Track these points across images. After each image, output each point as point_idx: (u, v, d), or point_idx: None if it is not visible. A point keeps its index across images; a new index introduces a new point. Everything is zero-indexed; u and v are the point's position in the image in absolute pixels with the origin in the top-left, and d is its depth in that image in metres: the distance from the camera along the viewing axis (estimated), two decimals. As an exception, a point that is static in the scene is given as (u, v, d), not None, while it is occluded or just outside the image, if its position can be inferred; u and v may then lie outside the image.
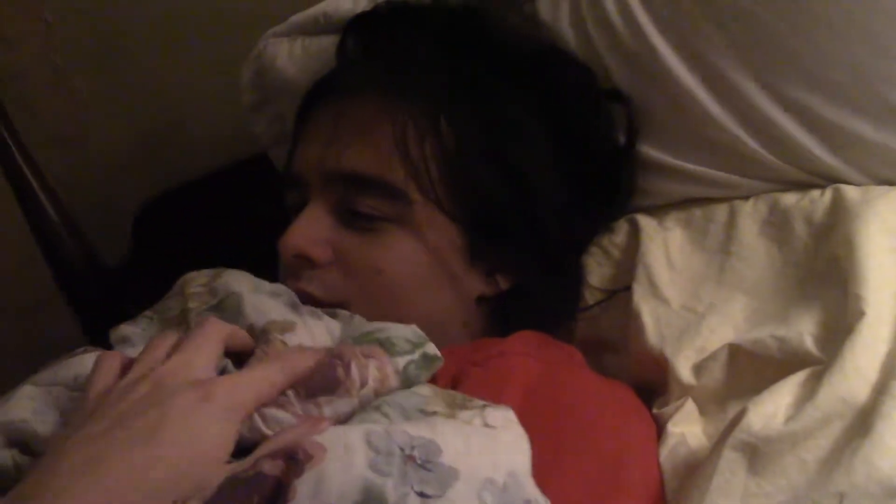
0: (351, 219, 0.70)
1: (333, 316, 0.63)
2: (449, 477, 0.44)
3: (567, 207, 0.74)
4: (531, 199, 0.72)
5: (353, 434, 0.45)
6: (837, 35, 0.69)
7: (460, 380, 0.60)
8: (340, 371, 0.50)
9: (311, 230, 0.70)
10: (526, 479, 0.47)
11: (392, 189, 0.69)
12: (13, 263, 1.26)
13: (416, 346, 0.54)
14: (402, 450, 0.44)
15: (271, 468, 0.44)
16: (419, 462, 0.44)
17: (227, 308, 0.60)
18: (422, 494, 0.43)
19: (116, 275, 1.10)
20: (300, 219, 0.70)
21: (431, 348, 0.55)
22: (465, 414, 0.49)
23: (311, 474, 0.43)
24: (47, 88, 1.19)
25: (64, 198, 1.06)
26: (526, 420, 0.51)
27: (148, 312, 0.67)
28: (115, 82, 1.19)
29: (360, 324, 0.61)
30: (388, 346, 0.53)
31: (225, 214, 1.09)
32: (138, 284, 1.10)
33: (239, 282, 0.63)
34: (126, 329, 0.64)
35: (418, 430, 0.46)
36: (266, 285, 0.64)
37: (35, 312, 1.27)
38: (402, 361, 0.53)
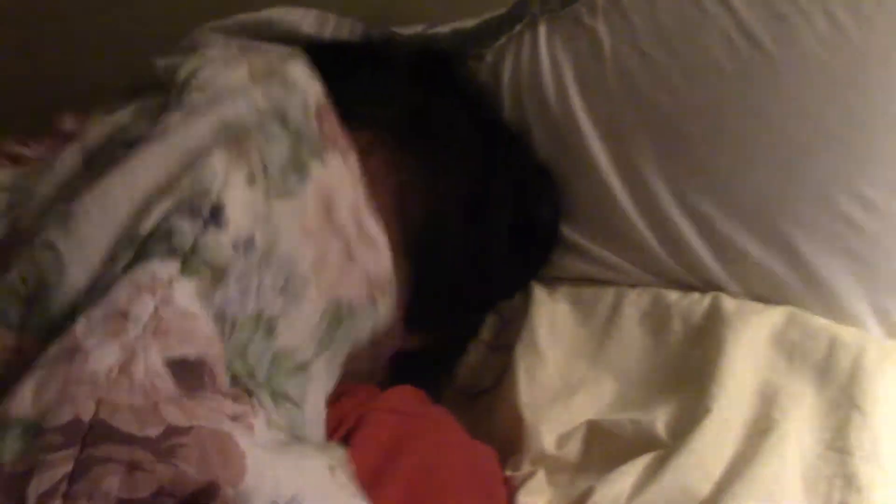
0: None
1: None
2: None
3: (506, 279, 0.77)
4: (488, 267, 0.74)
5: None
6: (750, 159, 0.75)
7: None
8: None
9: None
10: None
11: None
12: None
13: None
14: None
15: None
16: None
17: None
18: None
19: None
20: None
21: None
22: None
23: None
24: None
25: None
26: (385, 478, 0.52)
27: None
28: None
29: None
30: None
31: None
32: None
33: None
34: None
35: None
36: None
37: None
38: None
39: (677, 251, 0.77)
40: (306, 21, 0.89)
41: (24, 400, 0.42)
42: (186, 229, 0.50)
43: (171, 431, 0.42)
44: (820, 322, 0.70)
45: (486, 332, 0.79)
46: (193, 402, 0.45)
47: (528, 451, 0.68)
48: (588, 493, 0.62)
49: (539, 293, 0.79)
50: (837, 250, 0.73)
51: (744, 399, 0.65)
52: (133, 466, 0.41)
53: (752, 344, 0.69)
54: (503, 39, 0.82)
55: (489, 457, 0.68)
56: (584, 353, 0.75)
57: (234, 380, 0.51)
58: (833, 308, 0.72)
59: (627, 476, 0.62)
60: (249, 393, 0.51)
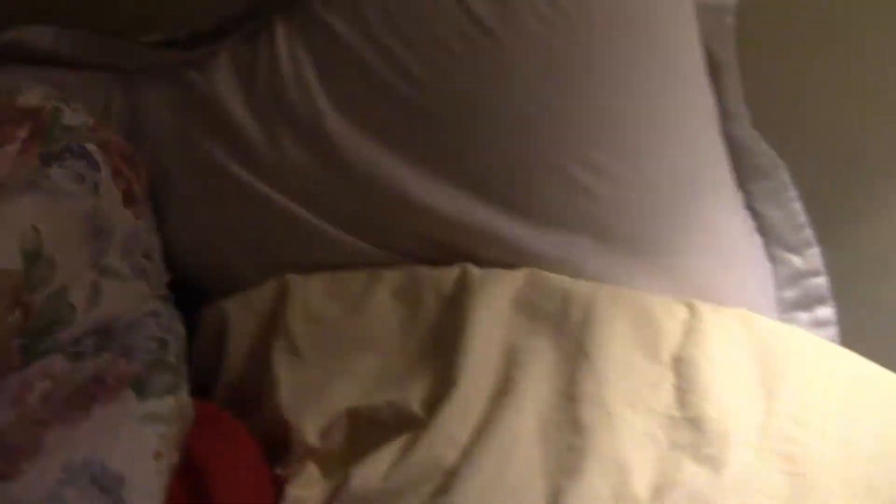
0: None
1: None
2: None
3: None
4: None
5: None
6: (487, 137, 0.77)
7: None
8: None
9: None
10: None
11: None
12: None
13: None
14: None
15: None
16: None
17: None
18: None
19: None
20: None
21: None
22: None
23: None
24: None
25: None
26: None
27: None
28: None
29: None
30: None
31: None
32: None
33: None
34: None
35: None
36: None
37: None
38: None
39: (427, 231, 0.78)
40: (44, 38, 0.87)
41: None
42: None
43: None
44: (556, 279, 0.74)
45: (238, 333, 0.78)
46: None
47: (295, 449, 0.68)
48: (346, 476, 0.63)
49: (292, 282, 0.79)
50: (574, 216, 0.77)
51: (489, 365, 0.68)
52: None
53: (495, 308, 0.71)
54: (236, 38, 0.82)
55: (253, 453, 0.69)
56: (341, 334, 0.75)
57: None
58: (573, 272, 0.76)
59: (383, 457, 0.63)
60: None
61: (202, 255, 0.84)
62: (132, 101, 0.85)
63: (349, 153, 0.79)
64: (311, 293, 0.77)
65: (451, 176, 0.78)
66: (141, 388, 0.65)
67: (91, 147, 0.75)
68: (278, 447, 0.70)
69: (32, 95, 0.76)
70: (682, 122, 0.82)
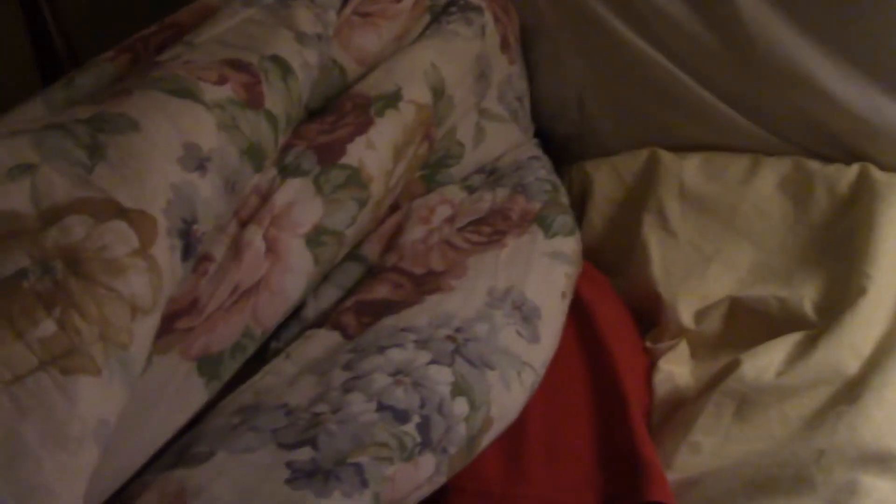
0: None
1: None
2: None
3: None
4: None
5: None
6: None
7: None
8: None
9: None
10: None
11: None
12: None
13: None
14: None
15: None
16: None
17: None
18: None
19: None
20: None
21: None
22: None
23: None
24: None
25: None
26: None
27: None
28: None
29: None
30: None
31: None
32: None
33: None
34: None
35: None
36: None
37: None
38: None
39: (825, 122, 0.73)
40: None
41: None
42: None
43: None
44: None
45: (603, 196, 0.78)
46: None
47: (667, 326, 0.70)
48: (735, 364, 0.63)
49: (665, 155, 0.77)
50: None
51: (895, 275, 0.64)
52: None
53: (905, 217, 0.67)
54: None
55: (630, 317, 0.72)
56: (717, 217, 0.74)
57: None
58: None
59: (776, 351, 0.63)
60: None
61: (567, 108, 0.84)
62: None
63: (752, 24, 0.74)
64: (686, 170, 0.76)
65: (867, 68, 0.71)
66: (546, 225, 0.69)
67: None
68: (642, 317, 0.73)
69: None
70: None
